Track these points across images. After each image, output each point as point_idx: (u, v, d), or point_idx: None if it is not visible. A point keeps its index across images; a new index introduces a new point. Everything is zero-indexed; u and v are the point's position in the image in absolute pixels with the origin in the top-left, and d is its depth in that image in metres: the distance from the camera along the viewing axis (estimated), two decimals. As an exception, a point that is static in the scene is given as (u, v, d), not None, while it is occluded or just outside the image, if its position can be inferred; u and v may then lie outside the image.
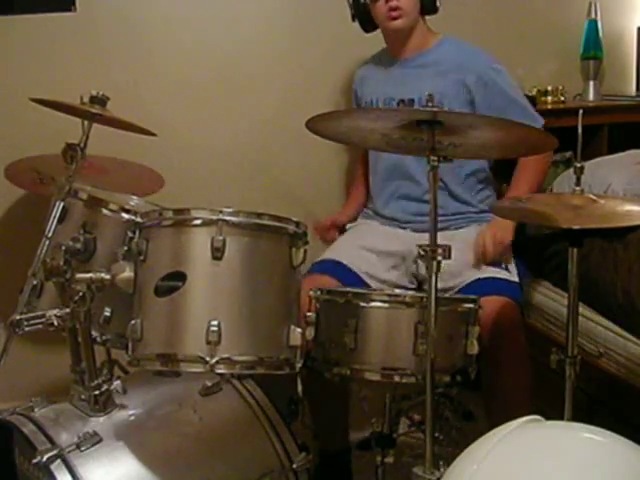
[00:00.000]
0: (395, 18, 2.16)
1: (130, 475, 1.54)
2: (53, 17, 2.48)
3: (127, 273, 1.58)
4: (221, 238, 1.48)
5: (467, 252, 2.07)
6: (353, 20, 2.32)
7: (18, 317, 1.63)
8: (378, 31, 2.32)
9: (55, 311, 1.58)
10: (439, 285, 1.97)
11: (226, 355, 1.47)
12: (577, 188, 1.64)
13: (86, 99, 1.90)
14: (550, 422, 1.28)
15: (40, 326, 1.61)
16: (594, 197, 1.65)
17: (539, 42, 3.00)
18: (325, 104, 2.57)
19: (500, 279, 2.04)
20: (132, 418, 1.64)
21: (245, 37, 2.68)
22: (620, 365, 2.07)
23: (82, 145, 1.86)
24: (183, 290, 1.49)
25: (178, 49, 2.64)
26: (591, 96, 3.02)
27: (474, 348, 1.66)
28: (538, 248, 2.41)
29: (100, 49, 2.55)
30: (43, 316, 1.59)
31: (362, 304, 1.63)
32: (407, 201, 2.26)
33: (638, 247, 2.15)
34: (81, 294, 1.56)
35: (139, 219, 1.64)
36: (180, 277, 1.50)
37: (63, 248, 1.62)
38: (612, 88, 3.10)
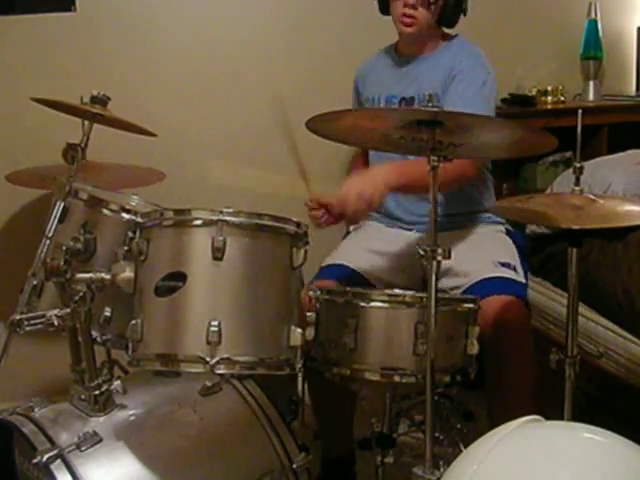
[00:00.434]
0: (408, 25, 2.15)
1: (130, 475, 1.54)
2: (53, 17, 2.49)
3: (127, 273, 1.57)
4: (221, 238, 1.48)
5: (473, 251, 2.07)
6: None
7: (18, 317, 1.62)
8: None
9: (55, 311, 1.57)
10: (446, 284, 1.99)
11: (226, 355, 1.47)
12: (577, 188, 1.63)
13: (87, 99, 1.90)
14: (550, 422, 1.28)
15: (40, 326, 1.60)
16: (594, 197, 1.65)
17: (539, 42, 3.00)
18: (325, 104, 2.56)
19: (507, 279, 2.03)
20: (132, 418, 1.64)
21: (245, 37, 2.69)
22: (620, 365, 2.08)
23: (83, 145, 1.86)
24: (183, 290, 1.49)
25: (178, 49, 2.65)
26: (591, 96, 3.03)
27: (474, 348, 1.66)
28: (538, 248, 2.41)
29: (100, 49, 2.55)
30: (43, 316, 1.59)
31: (362, 304, 1.62)
32: (410, 202, 2.25)
33: (638, 247, 2.15)
34: (81, 294, 1.56)
35: (140, 219, 1.63)
36: (180, 277, 1.50)
37: (63, 248, 1.62)
38: (612, 88, 3.11)
